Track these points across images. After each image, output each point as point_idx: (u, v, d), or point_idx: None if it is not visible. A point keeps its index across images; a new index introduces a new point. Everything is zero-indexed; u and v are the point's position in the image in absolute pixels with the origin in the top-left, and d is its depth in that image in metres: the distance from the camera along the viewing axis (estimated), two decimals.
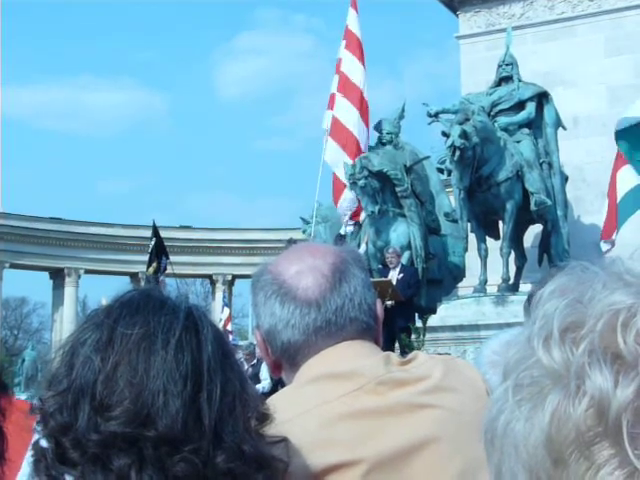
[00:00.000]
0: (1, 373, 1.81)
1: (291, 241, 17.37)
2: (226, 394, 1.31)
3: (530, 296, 3.11)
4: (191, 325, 1.33)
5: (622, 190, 12.70)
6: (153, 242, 19.91)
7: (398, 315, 13.31)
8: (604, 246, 12.51)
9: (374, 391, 1.63)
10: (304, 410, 1.61)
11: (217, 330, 1.38)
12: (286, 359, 1.75)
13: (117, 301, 1.37)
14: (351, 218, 15.98)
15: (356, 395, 1.62)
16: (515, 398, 0.76)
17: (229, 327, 25.30)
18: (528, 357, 0.75)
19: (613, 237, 12.62)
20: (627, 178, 12.82)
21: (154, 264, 19.51)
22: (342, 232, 16.19)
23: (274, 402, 1.61)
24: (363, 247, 14.88)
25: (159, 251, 19.71)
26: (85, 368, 1.29)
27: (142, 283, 22.55)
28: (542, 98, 14.23)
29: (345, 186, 15.27)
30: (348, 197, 15.43)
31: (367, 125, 15.78)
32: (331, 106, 16.01)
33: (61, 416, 1.28)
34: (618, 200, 12.59)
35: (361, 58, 15.99)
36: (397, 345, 13.55)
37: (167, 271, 19.70)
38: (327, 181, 16.77)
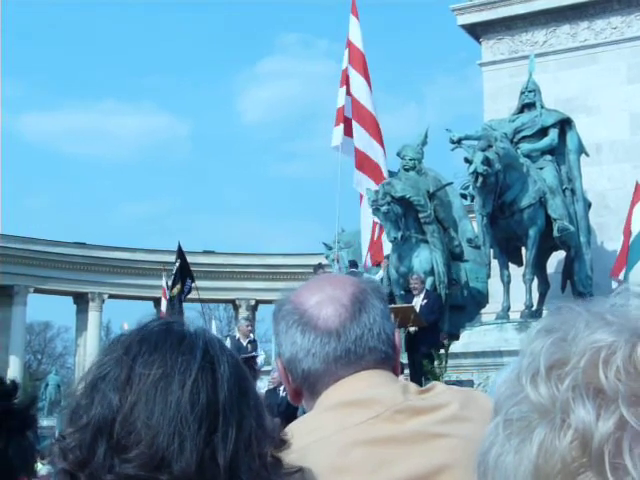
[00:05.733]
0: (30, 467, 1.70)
1: (319, 266, 17.38)
2: (242, 431, 1.31)
3: None
4: (207, 365, 1.33)
5: (637, 225, 12.54)
6: (177, 264, 19.92)
7: (422, 341, 13.28)
8: (614, 284, 12.35)
9: (391, 419, 1.66)
10: (322, 437, 1.65)
11: (235, 365, 1.37)
12: (306, 387, 1.79)
13: (137, 334, 1.37)
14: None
15: (373, 423, 1.65)
16: (505, 432, 0.81)
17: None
18: (517, 393, 0.80)
19: (620, 276, 12.47)
20: None
21: (178, 286, 19.50)
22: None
23: (293, 428, 1.66)
24: (380, 273, 14.83)
25: (184, 273, 19.70)
26: (104, 406, 1.30)
27: (163, 305, 22.23)
28: (565, 125, 14.23)
29: None
30: None
31: (382, 146, 15.74)
32: (338, 122, 15.88)
33: (80, 452, 1.29)
34: (632, 238, 12.43)
35: (366, 76, 15.68)
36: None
37: (192, 294, 19.65)
38: (348, 206, 16.70)
